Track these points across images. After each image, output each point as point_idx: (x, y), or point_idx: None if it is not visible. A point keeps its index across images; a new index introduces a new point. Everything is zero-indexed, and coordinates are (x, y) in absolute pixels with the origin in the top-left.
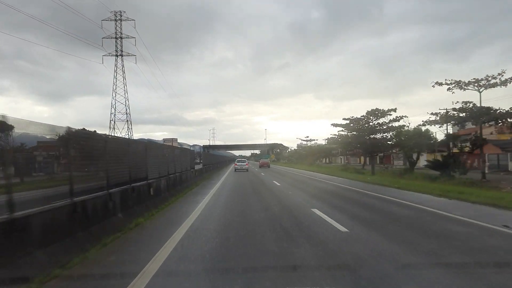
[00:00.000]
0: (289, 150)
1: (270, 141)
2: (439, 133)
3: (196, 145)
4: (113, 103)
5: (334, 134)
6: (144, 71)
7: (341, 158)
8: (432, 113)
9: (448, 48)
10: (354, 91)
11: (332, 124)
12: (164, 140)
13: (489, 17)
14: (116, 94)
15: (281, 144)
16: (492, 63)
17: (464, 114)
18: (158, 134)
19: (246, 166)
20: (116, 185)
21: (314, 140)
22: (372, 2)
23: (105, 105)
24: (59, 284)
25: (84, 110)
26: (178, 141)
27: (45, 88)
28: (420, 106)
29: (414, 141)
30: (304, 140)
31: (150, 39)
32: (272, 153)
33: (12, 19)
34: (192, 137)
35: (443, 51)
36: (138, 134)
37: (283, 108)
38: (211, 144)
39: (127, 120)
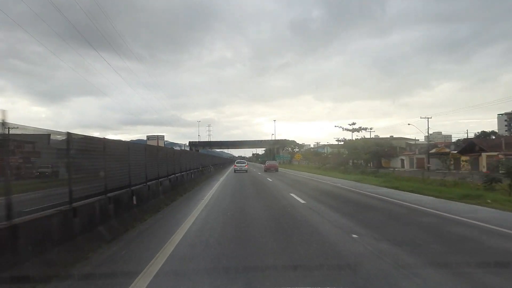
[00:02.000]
0: (304, 148)
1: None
2: None
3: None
4: None
5: None
6: (142, 71)
7: (402, 160)
8: None
9: (450, 48)
10: (354, 92)
11: None
12: (148, 137)
13: (492, 17)
14: None
15: (293, 141)
16: (494, 64)
17: None
18: (158, 135)
19: (246, 167)
20: None
21: (363, 128)
22: (373, 1)
23: (102, 105)
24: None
25: (82, 111)
26: (178, 141)
27: (41, 87)
28: (421, 108)
29: None
30: (348, 129)
31: (147, 37)
32: (280, 151)
33: (4, 16)
34: (192, 138)
35: (445, 51)
36: (137, 135)
37: (283, 110)
38: (201, 140)
39: None
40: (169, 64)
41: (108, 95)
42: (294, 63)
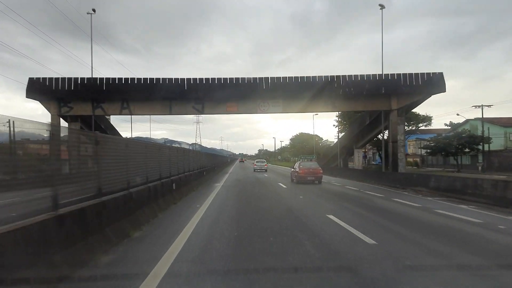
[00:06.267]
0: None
1: (266, 139)
2: None
3: (195, 143)
4: None
5: None
6: (140, 65)
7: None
8: None
9: (456, 43)
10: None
11: None
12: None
13: (499, 11)
14: None
15: None
16: (501, 59)
17: None
18: (157, 133)
19: (265, 166)
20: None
21: None
22: None
23: None
24: None
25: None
26: (178, 139)
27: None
28: (423, 106)
29: None
30: None
31: (142, 29)
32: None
33: None
34: (192, 136)
35: (451, 46)
36: (136, 133)
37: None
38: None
39: None
40: (166, 58)
41: None
42: (295, 58)
